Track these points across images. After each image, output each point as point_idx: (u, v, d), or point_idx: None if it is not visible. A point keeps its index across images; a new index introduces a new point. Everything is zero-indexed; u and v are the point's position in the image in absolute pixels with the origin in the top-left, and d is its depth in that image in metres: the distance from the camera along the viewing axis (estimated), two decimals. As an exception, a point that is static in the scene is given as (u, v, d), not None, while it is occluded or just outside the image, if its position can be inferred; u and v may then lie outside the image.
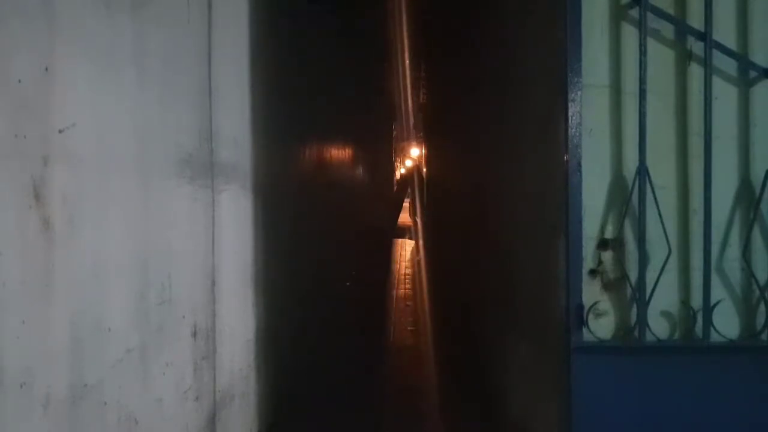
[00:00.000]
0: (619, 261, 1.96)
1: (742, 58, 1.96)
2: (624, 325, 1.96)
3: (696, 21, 1.94)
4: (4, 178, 1.04)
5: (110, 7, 1.38)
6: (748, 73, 1.97)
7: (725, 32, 1.95)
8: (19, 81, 1.08)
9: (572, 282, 1.92)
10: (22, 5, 1.10)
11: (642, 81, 1.91)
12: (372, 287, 7.56)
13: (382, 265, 9.92)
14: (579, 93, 1.93)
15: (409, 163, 17.16)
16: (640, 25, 1.91)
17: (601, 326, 1.96)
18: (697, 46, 1.95)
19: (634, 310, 1.95)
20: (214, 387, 2.06)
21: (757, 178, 1.96)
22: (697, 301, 1.95)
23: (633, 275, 1.94)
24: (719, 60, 1.94)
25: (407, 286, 8.48)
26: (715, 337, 1.94)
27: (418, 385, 4.01)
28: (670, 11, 1.96)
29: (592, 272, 1.96)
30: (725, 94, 1.97)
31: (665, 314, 1.97)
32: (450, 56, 5.69)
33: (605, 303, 1.97)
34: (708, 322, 1.93)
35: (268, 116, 2.78)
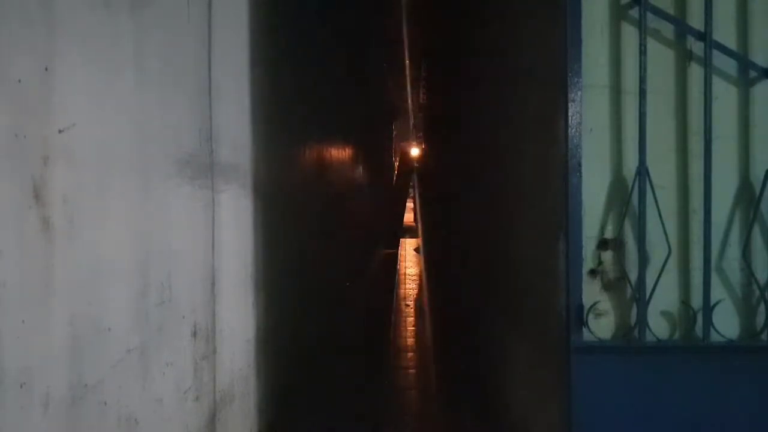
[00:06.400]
0: (619, 261, 1.96)
1: (742, 58, 1.96)
2: (624, 325, 1.97)
3: (696, 21, 1.94)
4: (4, 178, 1.04)
5: (110, 7, 1.38)
6: (748, 73, 1.97)
7: (725, 32, 1.96)
8: (19, 81, 1.08)
9: (572, 282, 1.92)
10: (22, 5, 1.10)
11: (642, 81, 1.91)
12: (373, 286, 7.56)
13: (384, 264, 9.92)
14: (579, 93, 1.93)
15: (409, 163, 17.15)
16: (640, 25, 1.91)
17: (601, 326, 1.96)
18: (697, 46, 1.96)
19: (634, 310, 1.95)
20: (214, 387, 2.06)
21: (757, 178, 1.96)
22: (697, 301, 1.96)
23: (633, 275, 1.94)
24: (719, 60, 1.94)
25: (408, 285, 8.48)
26: (715, 337, 1.94)
27: (418, 384, 4.02)
28: (670, 11, 1.96)
29: (592, 272, 1.96)
30: (725, 94, 1.97)
31: (665, 314, 1.98)
32: (450, 56, 5.69)
33: (605, 303, 1.97)
34: (708, 322, 1.93)
35: (269, 116, 2.78)
